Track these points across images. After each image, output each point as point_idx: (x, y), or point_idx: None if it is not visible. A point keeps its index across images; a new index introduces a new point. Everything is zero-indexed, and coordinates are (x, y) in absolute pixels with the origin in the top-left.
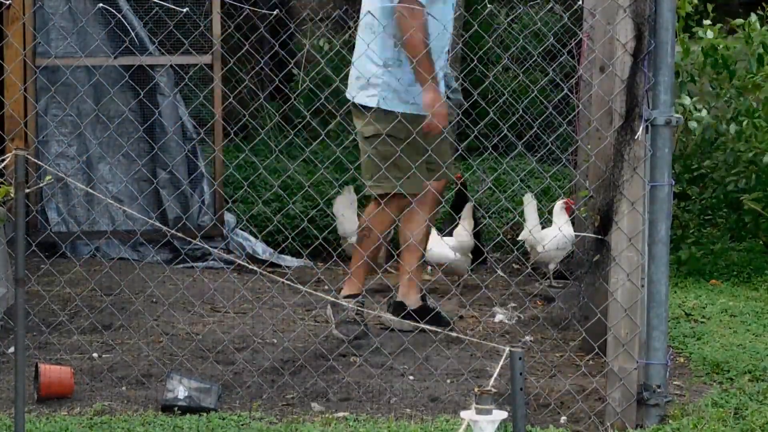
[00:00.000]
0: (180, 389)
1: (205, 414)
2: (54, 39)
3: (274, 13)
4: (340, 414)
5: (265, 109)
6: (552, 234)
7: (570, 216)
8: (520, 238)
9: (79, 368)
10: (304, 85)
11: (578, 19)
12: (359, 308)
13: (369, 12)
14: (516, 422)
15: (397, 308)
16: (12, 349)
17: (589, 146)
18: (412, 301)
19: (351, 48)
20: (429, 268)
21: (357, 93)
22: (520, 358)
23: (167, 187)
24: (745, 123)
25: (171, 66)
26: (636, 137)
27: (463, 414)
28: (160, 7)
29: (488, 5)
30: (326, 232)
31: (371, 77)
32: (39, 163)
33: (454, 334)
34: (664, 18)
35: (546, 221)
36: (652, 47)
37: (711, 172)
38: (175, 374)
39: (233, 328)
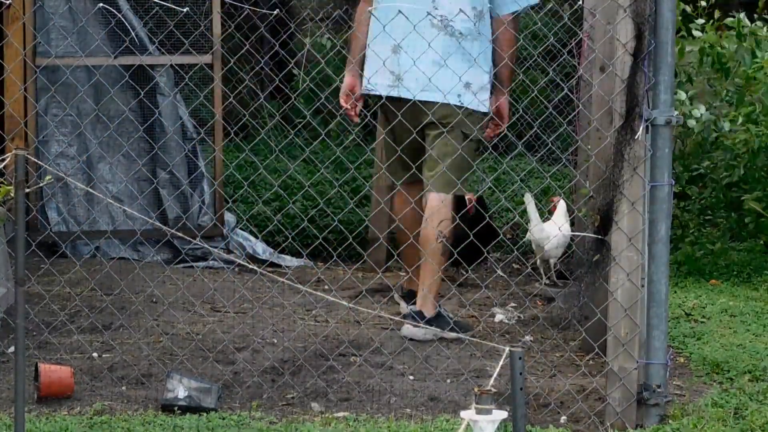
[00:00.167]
0: (180, 389)
1: (205, 414)
2: (54, 39)
3: (275, 12)
4: (340, 414)
5: (265, 109)
6: (554, 231)
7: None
8: (527, 238)
9: (79, 368)
10: (305, 85)
11: (578, 19)
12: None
13: (461, 10)
14: (516, 422)
15: (416, 317)
16: (12, 349)
17: (589, 147)
18: (430, 309)
19: None
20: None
21: (463, 93)
22: (520, 358)
23: (167, 186)
24: (741, 119)
25: (171, 66)
26: (636, 137)
27: (463, 414)
28: (160, 7)
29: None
30: (326, 232)
31: (477, 80)
32: (39, 162)
33: (454, 334)
34: (664, 18)
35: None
36: (652, 47)
37: (711, 171)
38: (175, 374)
39: (233, 328)
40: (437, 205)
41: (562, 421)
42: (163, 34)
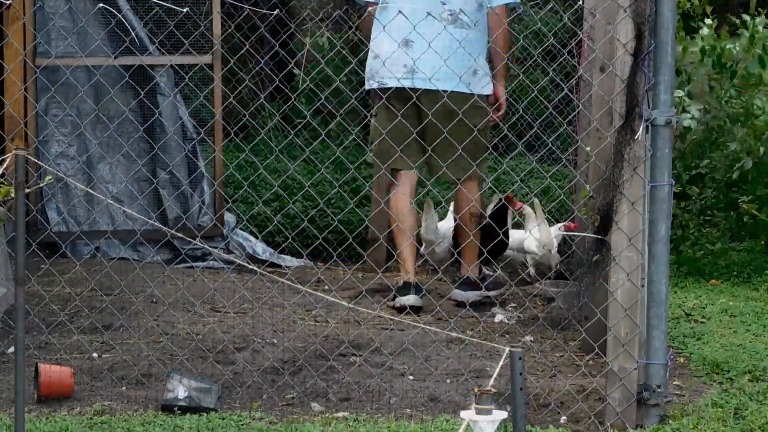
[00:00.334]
0: (180, 389)
1: (205, 414)
2: (54, 39)
3: (275, 13)
4: (340, 414)
5: (265, 109)
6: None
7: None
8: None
9: (79, 368)
10: (305, 85)
11: (578, 19)
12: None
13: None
14: (516, 422)
15: (464, 283)
16: (12, 349)
17: (588, 147)
18: (475, 273)
19: (352, 47)
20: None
21: (472, 80)
22: (520, 358)
23: (167, 187)
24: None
25: (171, 66)
26: (636, 137)
27: (463, 414)
28: (160, 7)
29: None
30: (326, 232)
31: (482, 67)
32: (39, 163)
33: (454, 334)
34: (665, 18)
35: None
36: (653, 47)
37: (711, 171)
38: (175, 374)
39: (233, 328)
40: (467, 191)
41: (562, 421)
42: (163, 34)
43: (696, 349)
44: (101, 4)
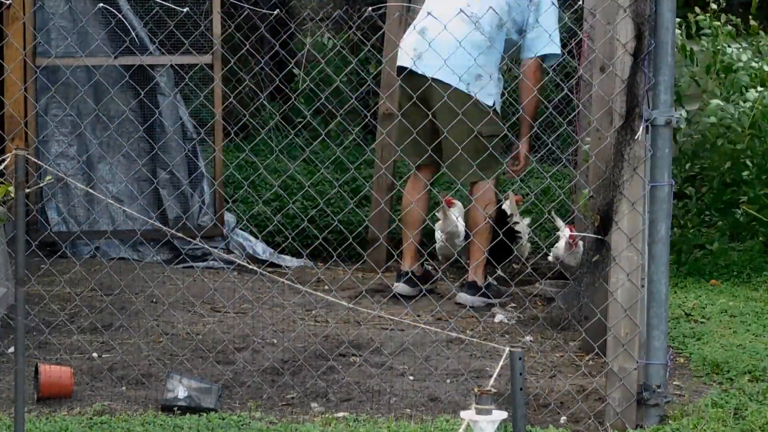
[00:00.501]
0: (180, 389)
1: (205, 414)
2: (54, 39)
3: (275, 12)
4: (340, 414)
5: (265, 109)
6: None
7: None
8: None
9: (79, 368)
10: (305, 85)
11: (578, 19)
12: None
13: (491, 8)
14: (516, 422)
15: (470, 287)
16: (12, 349)
17: (588, 147)
18: (481, 279)
19: (352, 47)
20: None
21: (472, 82)
22: (520, 358)
23: (167, 187)
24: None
25: (171, 66)
26: (636, 137)
27: (463, 414)
28: (160, 7)
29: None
30: (326, 232)
31: (485, 76)
32: (39, 163)
33: (454, 334)
34: (664, 18)
35: (546, 220)
36: (652, 47)
37: (710, 171)
38: (175, 374)
39: (233, 328)
40: (481, 191)
41: (561, 421)
42: (163, 34)
43: (696, 349)
44: (101, 4)
